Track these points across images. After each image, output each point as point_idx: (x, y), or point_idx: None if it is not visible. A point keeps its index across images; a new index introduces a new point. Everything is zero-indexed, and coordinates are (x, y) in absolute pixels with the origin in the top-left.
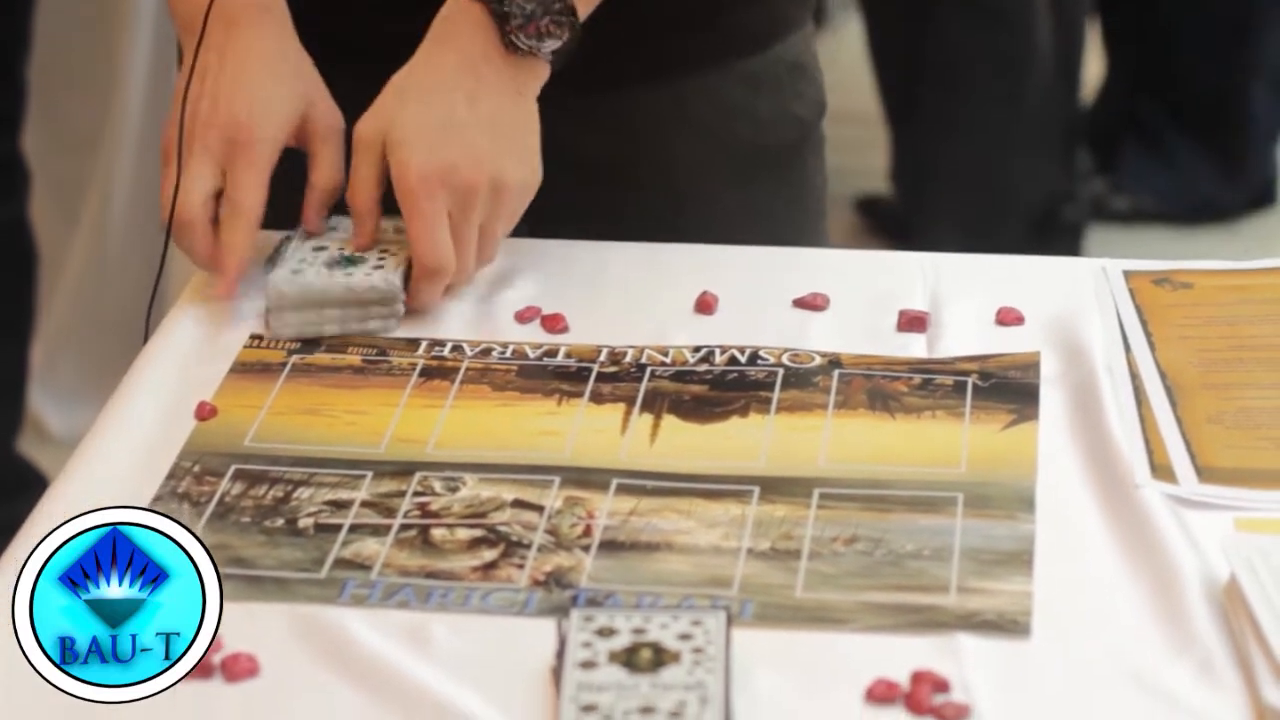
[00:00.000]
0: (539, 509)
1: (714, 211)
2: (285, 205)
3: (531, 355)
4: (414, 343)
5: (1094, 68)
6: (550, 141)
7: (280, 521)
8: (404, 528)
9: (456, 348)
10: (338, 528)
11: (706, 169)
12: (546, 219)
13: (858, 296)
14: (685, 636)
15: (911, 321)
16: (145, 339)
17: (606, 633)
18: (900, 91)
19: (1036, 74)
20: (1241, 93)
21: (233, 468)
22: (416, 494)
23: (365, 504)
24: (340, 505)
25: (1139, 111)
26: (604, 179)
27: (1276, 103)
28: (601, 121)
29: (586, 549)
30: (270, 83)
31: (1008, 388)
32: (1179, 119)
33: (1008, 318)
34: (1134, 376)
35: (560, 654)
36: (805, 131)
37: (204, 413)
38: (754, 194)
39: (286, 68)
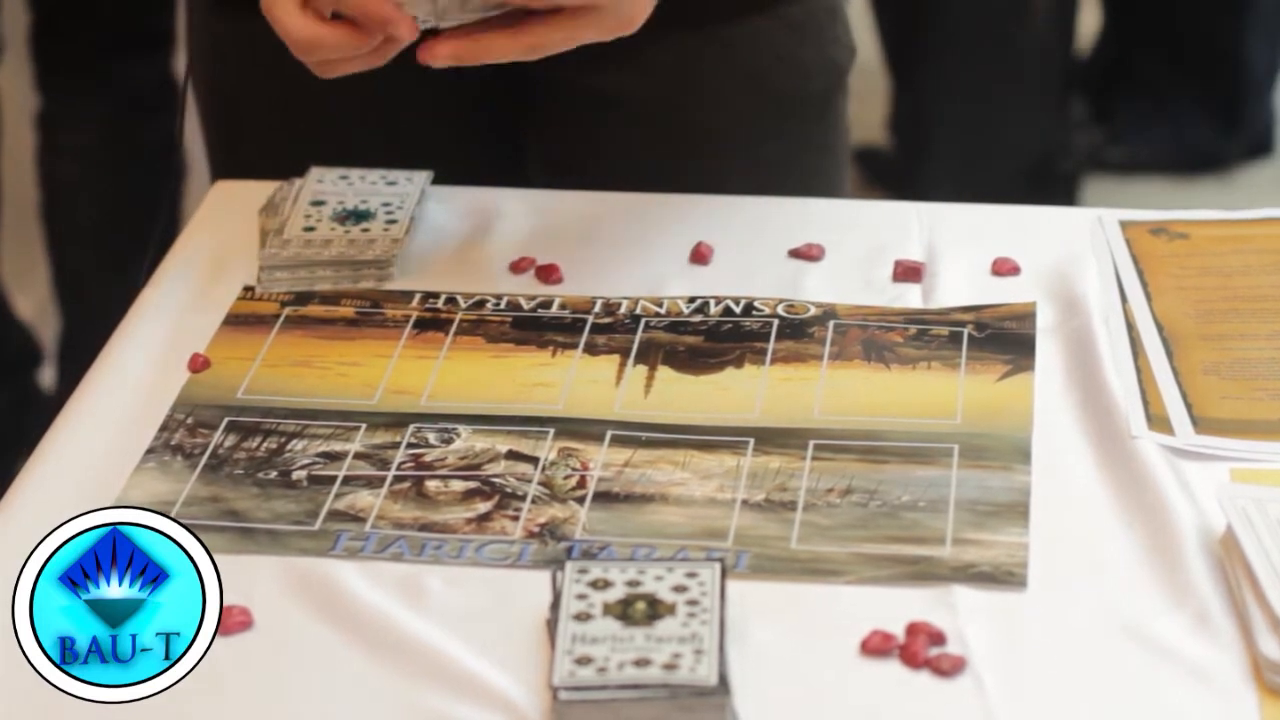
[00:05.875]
0: (533, 460)
1: (754, 159)
2: (279, 153)
3: (526, 306)
4: (408, 294)
5: (1090, 17)
6: (597, 87)
7: (273, 474)
8: (398, 479)
9: (450, 299)
10: (331, 480)
11: (751, 116)
12: (591, 166)
13: (853, 247)
14: (680, 588)
15: (907, 272)
16: (139, 290)
17: (601, 585)
18: (901, 41)
19: (1032, 23)
20: (1238, 42)
21: (226, 420)
22: (410, 446)
23: (359, 456)
24: (334, 457)
25: (1135, 61)
26: (649, 126)
27: (1272, 52)
28: (649, 68)
29: (581, 500)
30: None
31: (1003, 338)
32: (1175, 68)
33: (1003, 268)
34: (1130, 327)
35: (555, 606)
36: (841, 76)
37: (197, 364)
38: (790, 141)
39: None
